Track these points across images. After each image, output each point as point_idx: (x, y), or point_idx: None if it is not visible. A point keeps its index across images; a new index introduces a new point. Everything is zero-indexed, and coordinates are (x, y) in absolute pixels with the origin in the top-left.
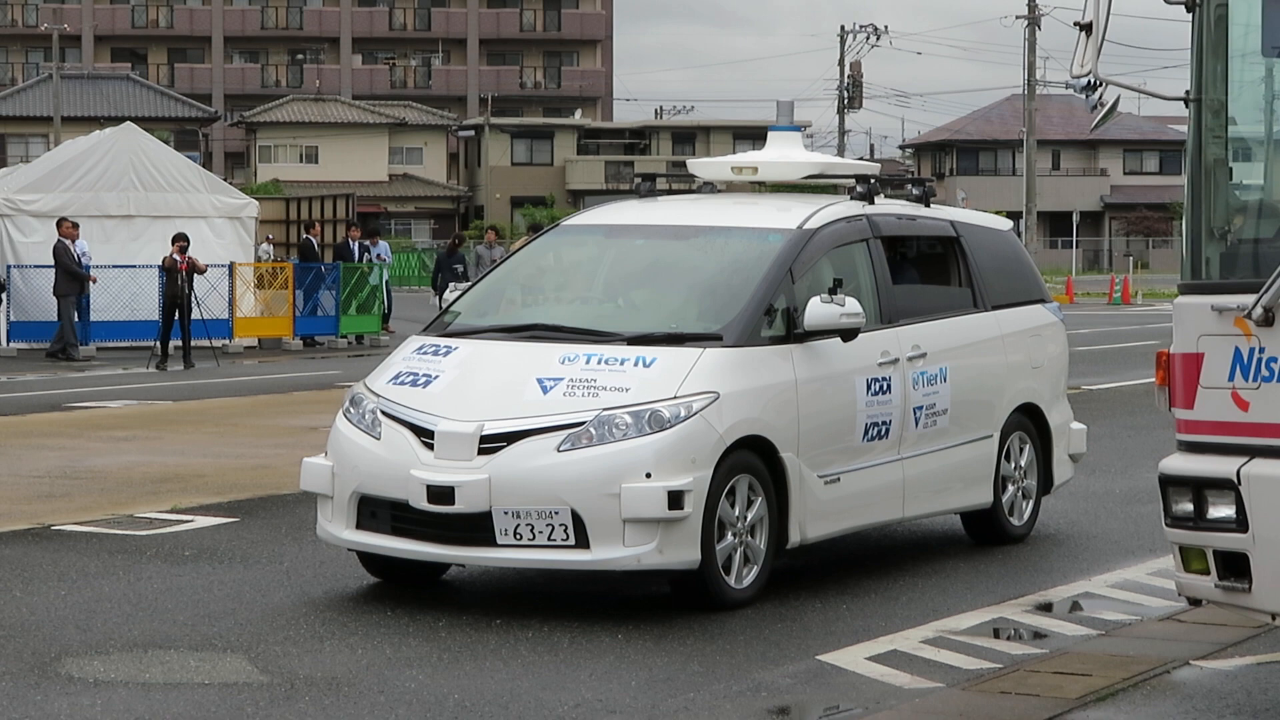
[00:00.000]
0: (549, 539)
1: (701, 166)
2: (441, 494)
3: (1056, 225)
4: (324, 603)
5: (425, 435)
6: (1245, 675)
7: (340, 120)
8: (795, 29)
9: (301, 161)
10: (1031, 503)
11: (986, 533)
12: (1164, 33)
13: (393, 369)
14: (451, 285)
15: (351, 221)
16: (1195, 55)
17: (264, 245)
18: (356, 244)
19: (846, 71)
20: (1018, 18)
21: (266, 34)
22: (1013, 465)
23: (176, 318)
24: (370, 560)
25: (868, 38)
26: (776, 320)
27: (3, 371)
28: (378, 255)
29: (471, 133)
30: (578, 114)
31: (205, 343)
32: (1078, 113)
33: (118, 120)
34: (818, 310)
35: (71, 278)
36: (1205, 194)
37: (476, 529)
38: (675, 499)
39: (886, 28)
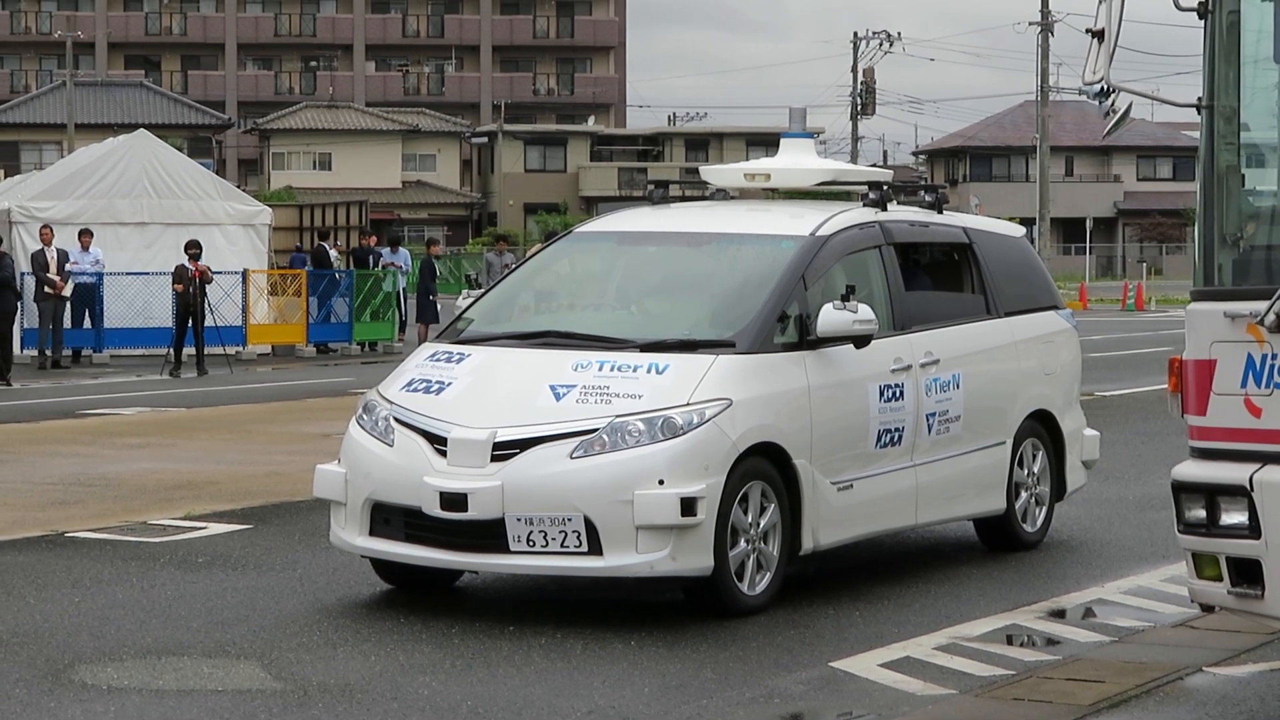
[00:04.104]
0: (562, 546)
1: (714, 173)
2: (454, 501)
3: (1070, 231)
4: (337, 609)
5: (438, 442)
6: (1258, 682)
7: (353, 127)
8: (809, 35)
9: (315, 168)
10: (1044, 509)
11: (999, 539)
12: (1177, 39)
13: (406, 376)
14: (465, 291)
15: (365, 230)
16: (1207, 62)
17: (333, 252)
18: (371, 251)
19: (860, 78)
20: (1030, 24)
21: (280, 41)
22: (1025, 472)
23: (190, 325)
24: (383, 567)
25: (881, 44)
26: (789, 327)
27: (17, 378)
28: (391, 262)
29: (485, 139)
30: (591, 120)
31: (219, 350)
32: (1091, 119)
33: (131, 127)
34: (830, 317)
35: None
36: (1218, 200)
37: (489, 536)
38: (688, 506)
39: (900, 34)
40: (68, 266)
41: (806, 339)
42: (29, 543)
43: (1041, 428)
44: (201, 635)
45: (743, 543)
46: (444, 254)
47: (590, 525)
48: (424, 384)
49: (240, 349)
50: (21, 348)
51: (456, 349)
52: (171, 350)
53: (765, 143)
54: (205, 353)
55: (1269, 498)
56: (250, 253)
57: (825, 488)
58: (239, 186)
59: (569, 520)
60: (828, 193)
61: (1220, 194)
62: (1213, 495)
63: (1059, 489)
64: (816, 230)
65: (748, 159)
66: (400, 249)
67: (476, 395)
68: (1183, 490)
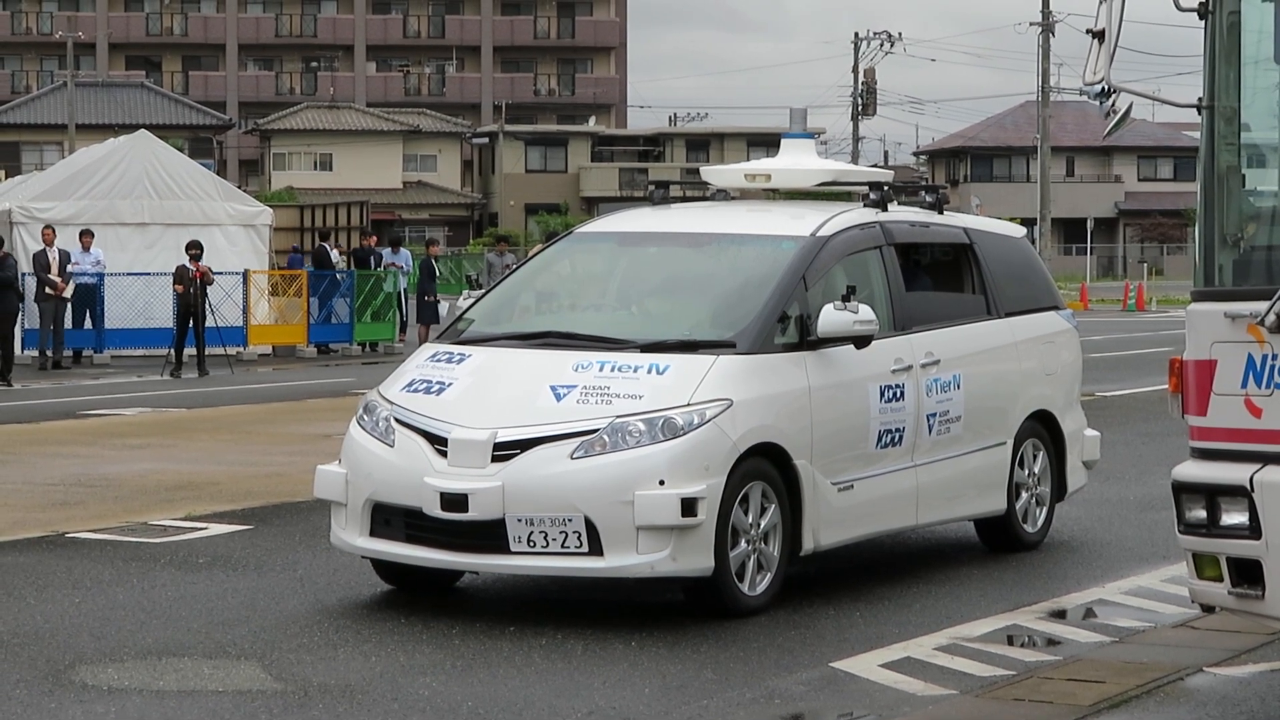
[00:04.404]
0: (562, 546)
1: (715, 174)
2: (455, 501)
3: (1071, 232)
4: (338, 610)
5: (439, 443)
6: (1259, 682)
7: (354, 128)
8: (810, 35)
9: (316, 169)
10: (1045, 509)
11: (1000, 539)
12: (1177, 40)
13: (406, 376)
14: (466, 293)
15: (366, 230)
16: (1208, 62)
17: (334, 253)
18: (372, 252)
19: (860, 78)
20: (1031, 24)
21: (281, 41)
22: (1026, 472)
23: (191, 325)
24: (384, 567)
25: (882, 44)
26: (790, 327)
27: (18, 379)
28: (390, 263)
29: (485, 140)
30: (592, 121)
31: (220, 350)
32: (1092, 119)
33: (132, 128)
34: (831, 317)
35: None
36: (1218, 201)
37: (490, 536)
38: (688, 506)
39: (901, 34)
40: (69, 268)
41: (807, 339)
42: (30, 543)
43: (1042, 428)
44: (202, 636)
45: (743, 543)
46: (443, 254)
47: (591, 526)
48: (424, 384)
49: (241, 349)
50: (22, 348)
51: (457, 349)
52: (172, 351)
53: (766, 143)
54: (206, 353)
55: (1269, 498)
56: (251, 253)
57: (826, 488)
58: (240, 187)
59: (569, 521)
60: (828, 193)
61: (1221, 194)
62: (1213, 496)
63: (1060, 489)
64: (817, 231)
65: (748, 159)
66: (401, 249)
67: (477, 396)
68: (1183, 491)
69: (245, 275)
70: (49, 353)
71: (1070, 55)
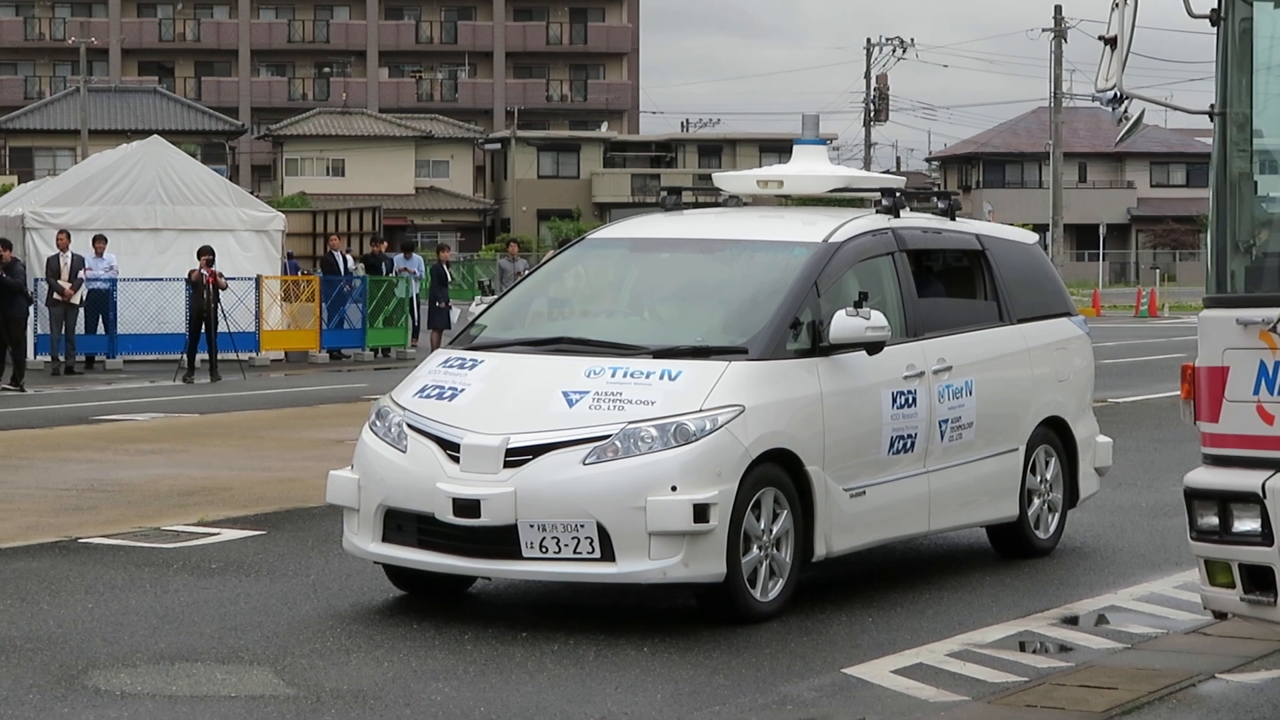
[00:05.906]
0: (574, 552)
1: (727, 180)
2: (467, 507)
3: (1083, 238)
4: (350, 615)
5: (451, 448)
6: (1271, 689)
7: (367, 133)
8: (822, 41)
9: (328, 174)
10: (1057, 516)
11: (1012, 546)
12: (1189, 46)
13: (419, 382)
14: (478, 298)
15: (378, 236)
16: (1220, 69)
17: (348, 258)
18: (383, 257)
19: (873, 84)
20: (1044, 30)
21: (293, 47)
22: (1038, 478)
23: (203, 331)
24: (396, 573)
25: (894, 50)
26: (802, 333)
27: (31, 384)
28: (402, 269)
29: (498, 145)
30: (604, 127)
31: (232, 356)
32: (1104, 125)
33: (145, 133)
34: (843, 323)
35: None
36: (1230, 207)
37: (502, 542)
38: (700, 512)
39: (913, 40)
40: (80, 273)
41: (819, 345)
42: (43, 548)
43: (1054, 434)
44: (215, 641)
45: (755, 549)
46: (455, 260)
47: (603, 531)
48: (437, 390)
49: (253, 355)
50: (34, 354)
51: (469, 355)
52: (185, 356)
53: (778, 149)
54: (218, 358)
55: None
56: (263, 259)
57: (838, 494)
58: (252, 193)
59: (582, 526)
60: (841, 199)
61: (1233, 201)
62: (1225, 502)
63: (1072, 495)
64: (829, 237)
65: (761, 165)
66: (414, 255)
67: (489, 401)
68: (1195, 497)
69: (258, 280)
70: (61, 358)
71: (1083, 61)
